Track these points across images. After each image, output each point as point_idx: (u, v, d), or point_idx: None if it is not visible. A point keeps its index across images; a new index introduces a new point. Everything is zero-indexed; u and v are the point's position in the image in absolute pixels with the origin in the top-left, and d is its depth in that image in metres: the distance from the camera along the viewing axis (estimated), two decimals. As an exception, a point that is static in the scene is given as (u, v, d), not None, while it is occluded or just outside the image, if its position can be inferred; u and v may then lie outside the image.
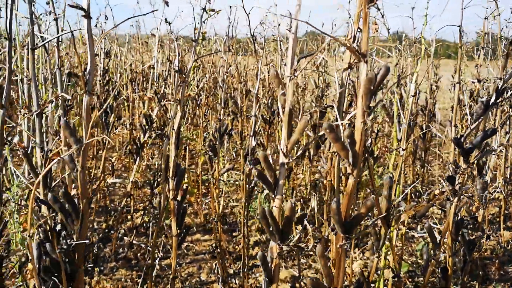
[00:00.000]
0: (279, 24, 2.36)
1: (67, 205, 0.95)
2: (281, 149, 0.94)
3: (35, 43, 1.17)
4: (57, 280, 0.96)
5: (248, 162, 2.21)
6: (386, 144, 4.35)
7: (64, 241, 0.97)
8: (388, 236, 1.13)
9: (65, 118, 0.95)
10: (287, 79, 0.92)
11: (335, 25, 2.80)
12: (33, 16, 1.18)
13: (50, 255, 0.96)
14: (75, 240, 0.96)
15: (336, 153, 1.22)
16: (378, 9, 2.01)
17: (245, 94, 3.45)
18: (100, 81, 3.21)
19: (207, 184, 4.11)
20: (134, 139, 2.91)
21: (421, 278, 2.56)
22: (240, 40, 4.88)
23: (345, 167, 0.85)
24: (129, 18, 1.18)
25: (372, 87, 0.80)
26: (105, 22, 3.60)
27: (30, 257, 1.27)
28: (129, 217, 3.42)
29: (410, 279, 2.59)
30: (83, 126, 0.96)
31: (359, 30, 0.88)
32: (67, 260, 0.96)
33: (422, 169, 3.04)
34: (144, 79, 4.90)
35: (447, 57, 5.27)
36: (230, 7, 2.34)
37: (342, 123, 0.90)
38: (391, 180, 1.02)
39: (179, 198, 1.74)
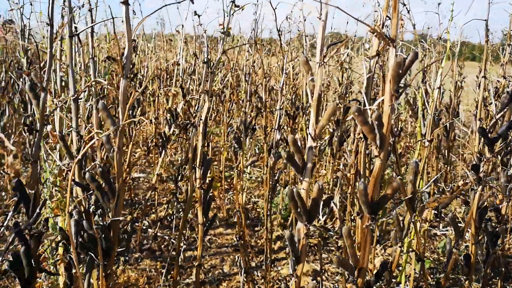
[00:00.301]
0: (305, 19, 2.39)
1: (104, 184, 1.00)
2: (309, 133, 0.97)
3: (72, 31, 1.22)
4: (93, 255, 1.01)
5: (272, 155, 2.24)
6: (409, 144, 4.33)
7: (100, 218, 1.02)
8: (411, 221, 1.14)
9: (103, 101, 1.00)
10: (316, 65, 0.95)
11: (358, 21, 2.81)
12: (71, 6, 1.23)
13: (87, 232, 1.00)
14: (110, 217, 1.01)
15: (362, 139, 1.24)
16: (404, 4, 2.01)
17: (268, 91, 3.48)
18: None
19: (229, 180, 4.16)
20: (160, 133, 2.98)
21: (443, 275, 2.56)
22: (264, 39, 4.93)
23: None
24: (159, 9, 1.22)
25: (400, 71, 0.82)
26: (133, 18, 3.67)
27: (62, 238, 1.32)
28: (153, 210, 3.48)
29: (431, 276, 2.58)
30: (120, 108, 1.00)
31: (388, 18, 0.91)
32: (103, 236, 1.01)
33: (446, 166, 3.03)
34: (168, 76, 4.97)
35: (472, 59, 5.21)
36: (257, 1, 2.37)
37: (370, 108, 0.92)
38: (416, 165, 1.04)
39: (205, 187, 1.78)
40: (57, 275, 1.17)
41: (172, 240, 3.05)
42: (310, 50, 2.26)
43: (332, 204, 1.01)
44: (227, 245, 3.09)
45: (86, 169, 1.30)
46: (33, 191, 1.00)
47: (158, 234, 3.09)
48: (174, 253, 2.93)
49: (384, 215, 3.04)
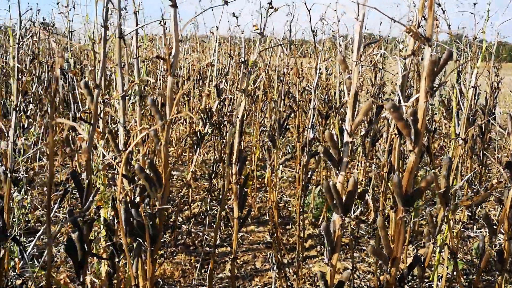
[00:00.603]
0: (339, 20, 2.42)
1: (151, 175, 1.07)
2: (345, 129, 1.02)
3: (121, 33, 1.31)
4: (141, 241, 1.08)
5: (305, 154, 2.29)
6: (443, 145, 4.29)
7: (148, 207, 1.09)
8: (445, 215, 1.17)
9: (152, 98, 1.07)
10: (353, 64, 0.99)
11: (393, 21, 2.83)
12: (120, 9, 1.31)
13: (136, 219, 1.08)
14: (157, 206, 1.08)
15: (396, 135, 1.27)
16: (439, 5, 2.03)
17: (301, 92, 3.53)
18: (163, 75, 3.39)
19: (260, 180, 4.22)
20: (195, 132, 3.06)
21: (476, 273, 2.54)
22: (296, 40, 4.97)
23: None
24: (204, 11, 1.29)
25: (435, 69, 0.86)
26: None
27: (106, 228, 1.41)
28: (187, 207, 3.58)
29: (464, 277, 2.57)
30: (167, 104, 1.07)
31: (423, 18, 0.94)
32: (150, 223, 1.08)
33: (480, 167, 3.00)
34: (200, 76, 5.07)
35: (510, 60, 5.12)
36: (292, 3, 2.42)
37: (405, 105, 0.96)
38: (450, 160, 1.07)
39: (240, 183, 1.85)
40: (105, 259, 1.25)
41: (205, 236, 3.13)
42: (344, 50, 2.29)
43: (367, 197, 1.05)
44: (258, 242, 3.15)
45: (132, 162, 1.38)
46: (86, 181, 1.08)
47: (192, 230, 3.18)
48: (207, 248, 3.02)
49: (416, 216, 3.04)
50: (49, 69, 4.20)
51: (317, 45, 2.44)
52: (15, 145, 1.28)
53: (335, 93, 3.47)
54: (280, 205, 3.74)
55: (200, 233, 3.18)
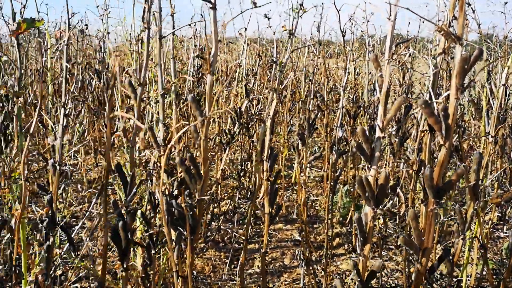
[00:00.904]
0: (368, 21, 2.46)
1: (191, 168, 1.13)
2: (377, 124, 1.06)
3: (161, 34, 1.38)
4: (182, 230, 1.15)
5: (334, 152, 2.33)
6: (472, 144, 4.25)
7: (188, 198, 1.16)
8: (475, 209, 1.20)
9: (192, 94, 1.13)
10: (385, 62, 1.03)
11: (425, 20, 2.84)
12: (161, 11, 1.39)
13: (177, 209, 1.14)
14: (197, 197, 1.14)
15: (427, 131, 1.30)
16: (469, 4, 2.04)
17: (328, 92, 3.56)
18: (193, 76, 3.47)
19: (287, 179, 4.27)
20: (224, 131, 3.13)
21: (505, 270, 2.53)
22: (323, 41, 5.00)
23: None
24: (237, 16, 1.35)
25: (465, 67, 0.90)
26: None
27: (142, 221, 1.48)
28: (215, 204, 3.65)
29: (494, 276, 2.56)
30: (207, 100, 1.14)
31: (453, 17, 0.98)
32: (190, 214, 1.14)
33: (510, 166, 2.97)
34: (226, 77, 5.14)
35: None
36: (322, 3, 2.47)
37: (436, 101, 1.00)
38: (480, 155, 1.10)
39: (271, 179, 1.90)
40: (146, 247, 1.32)
41: (234, 233, 3.20)
42: (372, 50, 2.32)
43: (398, 190, 1.09)
44: (286, 240, 3.20)
45: (170, 156, 1.45)
46: (131, 173, 1.15)
47: (221, 227, 3.25)
48: (236, 245, 3.08)
49: (445, 215, 3.03)
50: (84, 70, 4.34)
51: (346, 45, 2.47)
52: (62, 140, 1.36)
53: (362, 93, 3.49)
54: (307, 204, 3.78)
55: (229, 230, 3.25)
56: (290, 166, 4.58)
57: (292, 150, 3.00)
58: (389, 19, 1.03)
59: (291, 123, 3.70)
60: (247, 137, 3.54)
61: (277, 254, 2.97)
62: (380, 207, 1.05)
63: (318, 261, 2.87)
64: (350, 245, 3.06)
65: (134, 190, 1.18)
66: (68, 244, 1.32)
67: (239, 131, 3.41)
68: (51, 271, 1.65)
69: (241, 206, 3.62)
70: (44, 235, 1.26)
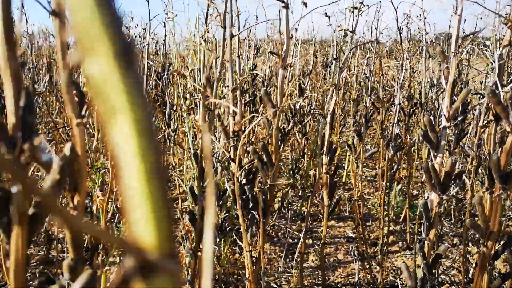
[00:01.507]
0: (425, 18, 2.47)
1: (264, 156, 1.22)
2: (443, 115, 1.11)
3: (232, 33, 1.48)
4: (255, 213, 1.24)
5: (391, 148, 2.36)
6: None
7: (259, 184, 1.25)
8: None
9: (265, 88, 1.22)
10: (451, 54, 1.08)
11: (480, 18, 2.81)
12: (232, 11, 1.49)
13: (250, 194, 1.24)
14: (269, 183, 1.23)
15: (491, 122, 1.33)
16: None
17: (382, 88, 3.57)
18: (248, 75, 3.58)
19: (338, 178, 4.30)
20: (279, 129, 3.21)
21: None
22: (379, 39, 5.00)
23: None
24: (306, 14, 1.43)
25: (533, 57, 0.94)
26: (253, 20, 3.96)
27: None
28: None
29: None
30: (278, 93, 1.22)
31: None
32: (262, 198, 1.23)
33: None
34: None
35: None
36: (379, 1, 2.51)
37: (502, 91, 1.04)
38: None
39: (331, 172, 1.96)
40: (218, 233, 1.41)
41: (288, 228, 3.27)
42: (431, 46, 2.33)
43: (464, 177, 1.14)
44: (340, 236, 3.24)
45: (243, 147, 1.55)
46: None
47: (275, 223, 3.33)
48: (290, 240, 3.15)
49: (503, 215, 2.98)
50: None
51: (402, 43, 2.50)
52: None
53: (414, 91, 3.48)
54: (359, 202, 3.80)
55: (283, 226, 3.33)
56: (340, 166, 4.61)
57: (342, 150, 3.03)
58: (455, 13, 1.08)
59: (344, 122, 3.74)
60: (300, 135, 3.61)
61: (331, 249, 3.02)
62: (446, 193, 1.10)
63: (372, 257, 2.89)
64: (404, 242, 3.07)
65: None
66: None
67: (293, 128, 3.49)
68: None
69: (294, 203, 3.70)
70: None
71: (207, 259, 0.20)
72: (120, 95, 0.16)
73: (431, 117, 1.11)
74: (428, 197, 1.13)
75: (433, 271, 1.15)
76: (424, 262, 1.11)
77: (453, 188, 1.08)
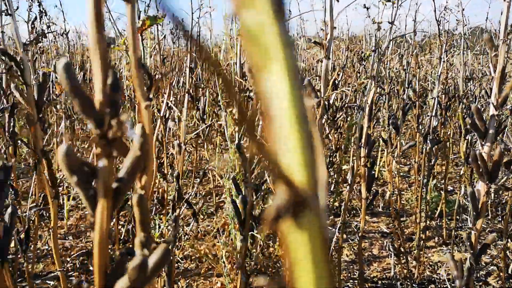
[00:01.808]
0: (463, 9, 2.43)
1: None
2: (491, 103, 1.10)
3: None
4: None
5: (428, 141, 2.33)
6: None
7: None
8: None
9: (308, 78, 1.23)
10: (500, 41, 1.07)
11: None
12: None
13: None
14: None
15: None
16: None
17: (418, 80, 3.53)
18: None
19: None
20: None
21: None
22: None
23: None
24: (348, 5, 1.43)
25: None
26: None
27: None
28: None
29: None
30: (322, 83, 1.23)
31: None
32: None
33: None
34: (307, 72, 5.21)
35: None
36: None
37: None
38: None
39: (368, 165, 1.96)
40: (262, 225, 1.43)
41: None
42: (469, 38, 2.29)
43: (513, 166, 1.12)
44: (374, 231, 3.22)
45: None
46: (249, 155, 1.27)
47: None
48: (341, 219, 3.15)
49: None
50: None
51: (441, 35, 2.46)
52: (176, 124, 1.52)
53: (457, 85, 3.42)
54: (393, 197, 3.76)
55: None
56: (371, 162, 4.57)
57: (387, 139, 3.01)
58: (504, 0, 1.07)
59: (376, 116, 3.71)
60: (333, 129, 3.60)
61: (366, 244, 3.01)
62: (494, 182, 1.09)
63: (408, 252, 2.86)
64: (440, 238, 3.02)
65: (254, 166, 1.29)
66: (192, 217, 1.46)
67: (326, 122, 3.48)
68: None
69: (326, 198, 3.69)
70: (172, 207, 1.41)
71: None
72: (276, 45, 0.18)
73: (478, 106, 1.10)
74: (475, 186, 1.12)
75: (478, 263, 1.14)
76: (471, 252, 1.10)
77: (502, 177, 1.07)
